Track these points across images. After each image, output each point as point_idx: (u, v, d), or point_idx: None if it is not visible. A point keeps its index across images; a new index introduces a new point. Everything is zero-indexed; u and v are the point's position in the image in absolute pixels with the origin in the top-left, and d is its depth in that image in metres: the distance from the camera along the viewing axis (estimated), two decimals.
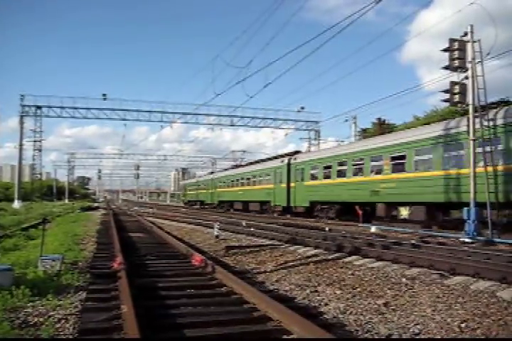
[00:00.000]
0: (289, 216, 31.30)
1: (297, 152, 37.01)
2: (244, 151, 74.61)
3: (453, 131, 18.42)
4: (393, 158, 21.71)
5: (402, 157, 21.04)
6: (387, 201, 21.82)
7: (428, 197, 19.15)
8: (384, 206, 22.07)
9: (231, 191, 46.72)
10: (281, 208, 33.78)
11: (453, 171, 18.17)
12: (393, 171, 21.64)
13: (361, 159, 24.18)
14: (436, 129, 19.54)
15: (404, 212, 20.79)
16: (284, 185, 33.12)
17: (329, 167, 27.47)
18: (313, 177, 29.40)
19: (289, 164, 32.95)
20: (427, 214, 19.46)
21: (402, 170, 20.97)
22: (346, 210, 25.75)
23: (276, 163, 35.75)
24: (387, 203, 21.87)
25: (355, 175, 24.71)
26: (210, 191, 55.71)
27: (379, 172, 22.70)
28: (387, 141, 22.71)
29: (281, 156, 36.49)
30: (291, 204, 31.81)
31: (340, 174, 26.26)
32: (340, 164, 26.29)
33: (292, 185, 32.04)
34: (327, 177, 27.71)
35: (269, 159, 40.68)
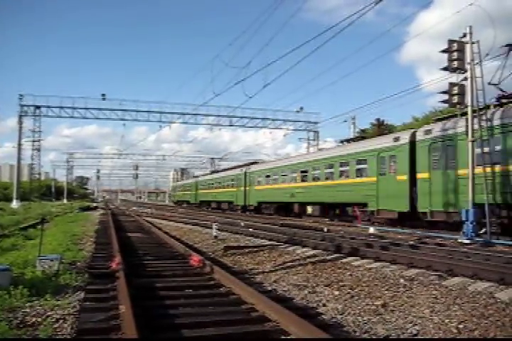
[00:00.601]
0: (247, 213, 39.72)
1: (254, 163, 46.00)
2: (226, 155, 74.83)
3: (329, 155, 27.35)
4: (301, 172, 30.65)
5: (305, 171, 30.03)
6: (299, 201, 30.64)
7: (322, 200, 27.16)
8: (298, 205, 30.99)
9: (209, 193, 56.26)
10: (240, 207, 42.79)
11: (336, 181, 25.75)
12: (302, 180, 30.48)
13: (284, 171, 33.66)
14: (324, 153, 29.23)
15: (309, 210, 29.08)
16: (242, 188, 41.99)
17: (268, 176, 36.63)
18: (260, 183, 38.37)
19: (245, 173, 41.85)
20: (321, 211, 27.58)
21: (306, 181, 29.96)
22: (283, 208, 33.89)
23: (238, 171, 45.14)
24: (300, 203, 30.70)
25: (282, 182, 33.77)
26: (194, 192, 65.71)
27: (295, 180, 31.49)
28: (299, 159, 32.23)
29: (245, 165, 46.12)
30: (246, 204, 40.83)
31: (275, 181, 35.08)
32: (275, 174, 35.42)
33: (247, 189, 40.90)
34: (267, 183, 36.66)
35: (235, 167, 50.58)
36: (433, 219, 18.42)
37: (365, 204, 22.67)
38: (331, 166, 26.58)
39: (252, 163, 45.62)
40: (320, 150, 37.76)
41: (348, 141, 29.42)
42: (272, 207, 36.01)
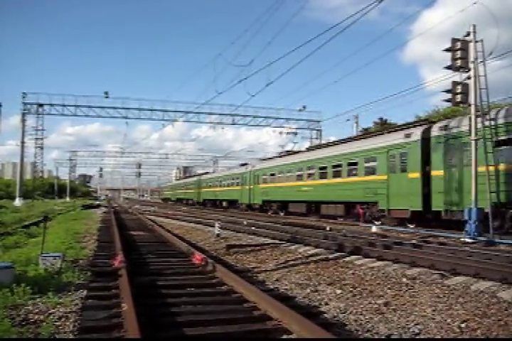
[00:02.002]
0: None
1: (263, 159, 46.21)
2: (228, 154, 74.63)
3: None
4: (335, 166, 26.98)
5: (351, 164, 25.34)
6: (281, 200, 34.06)
7: (305, 198, 29.73)
8: (279, 204, 34.98)
9: (213, 191, 55.40)
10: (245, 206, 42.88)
11: (316, 182, 28.45)
12: (308, 178, 30.33)
13: (290, 169, 33.06)
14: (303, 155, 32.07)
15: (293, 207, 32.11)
16: (247, 187, 41.81)
17: (273, 174, 36.02)
18: (265, 181, 37.51)
19: (250, 171, 41.16)
20: (306, 208, 29.95)
21: (312, 178, 29.68)
22: (283, 206, 34.30)
23: (243, 169, 44.65)
24: (282, 201, 34.20)
25: (287, 180, 33.32)
26: (197, 191, 64.60)
27: (301, 178, 31.08)
28: (286, 161, 34.51)
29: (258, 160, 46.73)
30: (251, 202, 40.55)
31: (281, 179, 34.59)
32: (280, 172, 34.85)
33: (251, 187, 40.21)
34: (272, 181, 36.33)
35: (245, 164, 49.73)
36: (449, 218, 18.03)
37: (375, 203, 22.17)
38: (339, 164, 25.77)
39: (262, 160, 45.24)
40: (320, 146, 33.80)
41: (355, 138, 28.64)
42: (276, 205, 35.47)
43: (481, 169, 15.79)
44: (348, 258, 10.34)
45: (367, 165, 23.22)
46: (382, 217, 22.01)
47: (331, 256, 10.69)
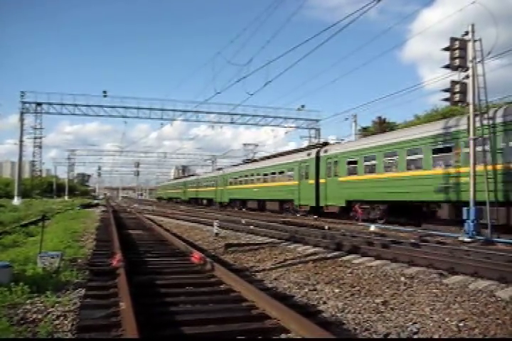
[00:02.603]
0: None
1: (220, 169, 54.57)
2: (227, 153, 74.65)
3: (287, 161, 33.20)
4: (272, 173, 35.70)
5: (280, 173, 33.91)
6: (242, 198, 41.83)
7: (256, 197, 37.84)
8: (240, 202, 42.89)
9: (193, 191, 63.65)
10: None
11: (261, 185, 36.69)
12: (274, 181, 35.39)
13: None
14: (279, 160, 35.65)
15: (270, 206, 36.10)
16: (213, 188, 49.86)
17: (236, 178, 43.92)
18: (231, 183, 45.10)
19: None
20: (257, 204, 38.21)
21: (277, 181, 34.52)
22: (243, 203, 42.07)
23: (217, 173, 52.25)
24: (242, 199, 42.15)
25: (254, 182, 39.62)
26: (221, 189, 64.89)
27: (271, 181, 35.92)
28: (245, 168, 42.97)
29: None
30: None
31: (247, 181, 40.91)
32: (235, 178, 44.16)
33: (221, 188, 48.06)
34: (239, 183, 43.07)
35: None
36: (329, 211, 26.69)
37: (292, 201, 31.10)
38: (274, 172, 35.06)
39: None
40: (269, 157, 40.57)
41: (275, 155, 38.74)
42: (239, 202, 43.88)
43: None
44: (346, 257, 10.35)
45: (289, 173, 32.22)
46: (295, 210, 30.75)
47: (329, 255, 10.71)
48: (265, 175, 36.64)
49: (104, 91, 50.37)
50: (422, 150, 19.40)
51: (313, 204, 27.71)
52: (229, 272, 7.68)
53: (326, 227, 18.72)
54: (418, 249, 11.28)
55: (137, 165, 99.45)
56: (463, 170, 17.13)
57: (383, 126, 49.60)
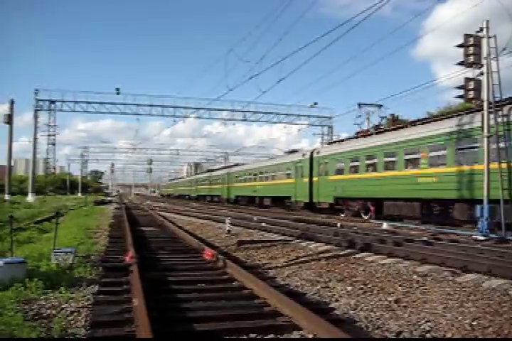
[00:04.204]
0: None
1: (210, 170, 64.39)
2: (239, 150, 74.66)
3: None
4: (254, 174, 43.58)
5: (276, 172, 38.17)
6: (245, 195, 46.44)
7: (257, 194, 42.03)
8: (245, 198, 46.98)
9: (204, 188, 67.39)
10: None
11: (260, 183, 41.37)
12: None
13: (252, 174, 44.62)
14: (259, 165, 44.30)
15: (267, 202, 39.86)
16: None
17: (237, 177, 49.25)
18: (238, 181, 48.68)
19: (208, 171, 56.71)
20: (258, 201, 41.91)
21: (266, 180, 40.30)
22: (249, 200, 45.35)
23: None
24: (246, 196, 46.33)
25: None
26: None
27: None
28: (243, 168, 49.43)
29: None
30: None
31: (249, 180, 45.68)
32: (237, 177, 49.40)
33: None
34: (238, 182, 48.81)
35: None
36: (320, 206, 29.48)
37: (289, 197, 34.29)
38: (273, 171, 38.74)
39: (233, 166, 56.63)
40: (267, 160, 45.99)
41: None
42: (244, 199, 47.58)
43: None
44: (358, 255, 10.32)
45: (288, 172, 35.16)
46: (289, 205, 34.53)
47: (341, 253, 10.69)
48: (262, 174, 41.66)
49: (117, 89, 50.56)
50: (397, 153, 21.83)
51: (308, 200, 30.94)
52: (241, 269, 7.70)
53: (338, 225, 18.68)
54: (431, 247, 11.22)
55: (150, 162, 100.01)
56: (430, 171, 19.58)
57: (396, 123, 49.29)
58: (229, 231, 15.42)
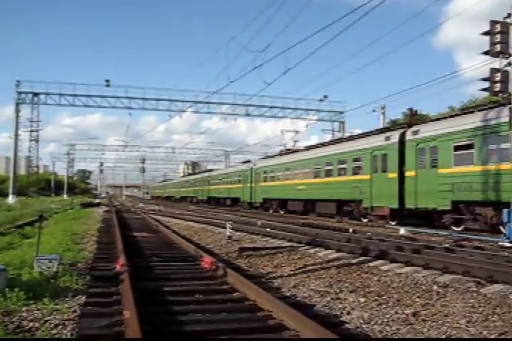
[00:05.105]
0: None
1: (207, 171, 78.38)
2: (241, 148, 74.66)
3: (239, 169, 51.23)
4: (219, 179, 57.28)
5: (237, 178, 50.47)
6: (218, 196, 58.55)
7: (231, 195, 51.19)
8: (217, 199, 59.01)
9: (185, 190, 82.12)
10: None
11: (224, 186, 54.24)
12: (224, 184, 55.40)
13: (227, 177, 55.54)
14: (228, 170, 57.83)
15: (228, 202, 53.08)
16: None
17: (215, 179, 60.62)
18: (214, 184, 60.96)
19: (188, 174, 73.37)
20: (231, 202, 51.59)
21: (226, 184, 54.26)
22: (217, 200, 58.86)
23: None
24: (217, 197, 58.75)
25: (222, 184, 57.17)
26: (178, 189, 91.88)
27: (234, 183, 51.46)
28: (222, 172, 61.02)
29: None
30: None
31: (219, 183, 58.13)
32: (215, 179, 60.75)
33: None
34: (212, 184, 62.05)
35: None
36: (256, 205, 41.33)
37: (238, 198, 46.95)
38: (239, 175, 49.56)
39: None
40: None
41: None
42: (216, 199, 59.97)
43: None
44: (373, 263, 10.31)
45: (239, 178, 48.82)
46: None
47: (354, 261, 10.68)
48: (227, 178, 55.13)
49: (107, 80, 50.55)
50: (347, 161, 27.83)
51: (249, 200, 44.66)
52: (243, 278, 7.70)
53: (351, 230, 18.67)
54: (453, 255, 11.21)
55: (143, 160, 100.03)
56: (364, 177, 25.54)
57: (415, 118, 49.21)
58: (230, 236, 15.41)
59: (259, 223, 21.60)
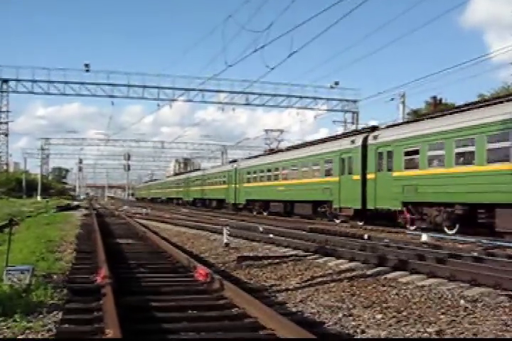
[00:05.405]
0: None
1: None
2: (240, 142, 74.45)
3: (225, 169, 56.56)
4: (204, 180, 62.72)
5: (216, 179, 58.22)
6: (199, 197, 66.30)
7: (217, 196, 56.52)
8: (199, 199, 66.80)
9: (171, 191, 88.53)
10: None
11: (224, 186, 53.49)
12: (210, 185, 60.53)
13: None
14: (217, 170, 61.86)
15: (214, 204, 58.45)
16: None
17: (197, 180, 66.96)
18: (196, 185, 68.23)
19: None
20: (208, 202, 61.31)
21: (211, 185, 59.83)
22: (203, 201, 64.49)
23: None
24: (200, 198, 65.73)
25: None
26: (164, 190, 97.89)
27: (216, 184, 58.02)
28: (200, 173, 68.28)
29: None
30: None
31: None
32: (197, 180, 67.42)
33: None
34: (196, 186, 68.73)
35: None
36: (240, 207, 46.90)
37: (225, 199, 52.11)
38: (218, 177, 57.02)
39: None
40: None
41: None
42: (198, 200, 67.94)
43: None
44: (391, 275, 10.31)
45: (223, 179, 53.86)
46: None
47: (369, 272, 10.68)
48: (211, 179, 59.93)
49: (86, 65, 50.58)
50: (320, 163, 32.47)
51: (234, 201, 48.84)
52: (242, 292, 7.69)
53: (365, 236, 18.69)
54: (483, 265, 11.20)
55: (128, 157, 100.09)
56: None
57: (439, 107, 49.21)
58: (227, 244, 15.43)
59: (260, 228, 21.61)
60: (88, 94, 52.47)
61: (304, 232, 20.63)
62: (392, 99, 44.10)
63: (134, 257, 12.85)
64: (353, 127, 55.05)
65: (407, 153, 24.10)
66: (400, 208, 24.10)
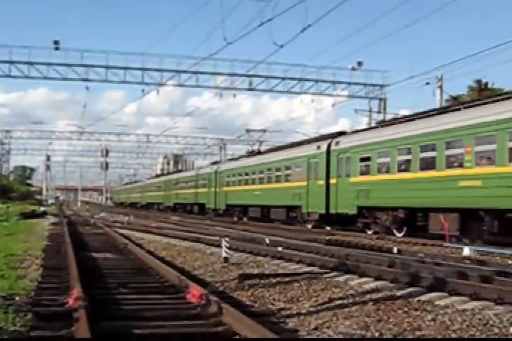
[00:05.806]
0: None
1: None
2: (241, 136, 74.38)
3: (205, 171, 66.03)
4: (185, 182, 72.44)
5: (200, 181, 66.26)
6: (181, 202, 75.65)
7: (198, 201, 64.89)
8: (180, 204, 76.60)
9: (150, 195, 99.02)
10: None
11: (205, 190, 61.91)
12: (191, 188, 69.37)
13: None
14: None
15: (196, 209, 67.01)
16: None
17: (177, 184, 76.19)
18: (176, 188, 76.66)
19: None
20: (189, 207, 70.25)
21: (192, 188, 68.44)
22: (184, 206, 73.60)
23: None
24: (181, 203, 75.80)
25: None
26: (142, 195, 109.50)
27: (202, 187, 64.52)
28: (183, 175, 79.09)
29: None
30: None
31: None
32: (176, 183, 77.39)
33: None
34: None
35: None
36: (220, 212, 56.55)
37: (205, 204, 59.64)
38: (192, 180, 66.15)
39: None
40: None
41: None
42: (180, 204, 75.80)
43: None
44: (425, 296, 10.30)
45: (204, 182, 61.93)
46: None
47: (399, 293, 10.67)
48: (185, 183, 71.61)
49: (56, 42, 50.19)
50: (291, 167, 39.28)
51: (213, 206, 56.75)
52: (244, 317, 7.68)
53: (395, 250, 18.68)
54: None
55: (106, 153, 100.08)
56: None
57: (484, 93, 49.18)
58: (226, 258, 15.42)
59: (267, 240, 21.62)
60: (58, 77, 52.13)
61: (319, 245, 20.64)
62: (428, 84, 44.05)
63: (113, 275, 12.87)
64: (380, 117, 54.67)
65: (362, 160, 30.46)
66: (355, 212, 30.53)
